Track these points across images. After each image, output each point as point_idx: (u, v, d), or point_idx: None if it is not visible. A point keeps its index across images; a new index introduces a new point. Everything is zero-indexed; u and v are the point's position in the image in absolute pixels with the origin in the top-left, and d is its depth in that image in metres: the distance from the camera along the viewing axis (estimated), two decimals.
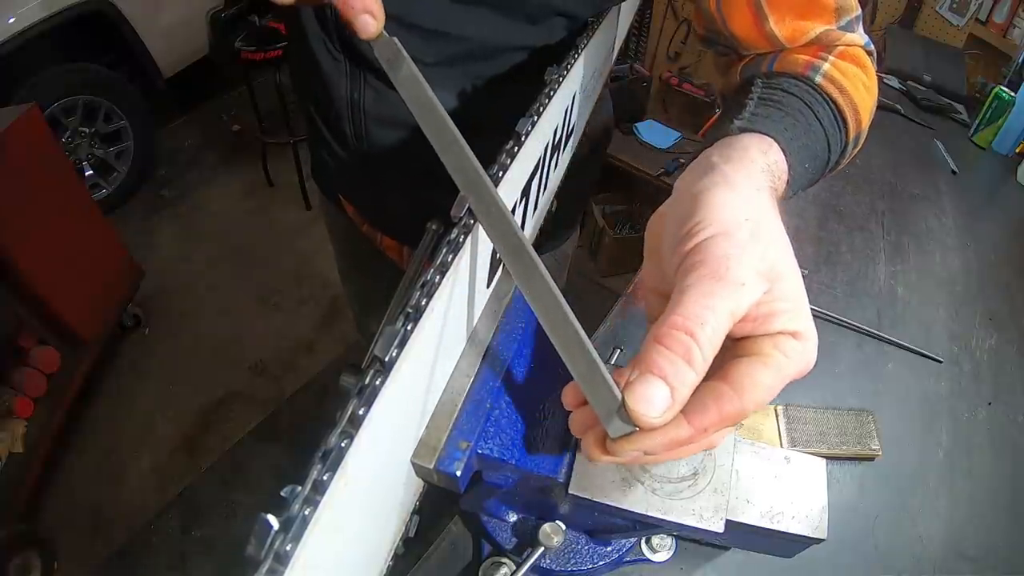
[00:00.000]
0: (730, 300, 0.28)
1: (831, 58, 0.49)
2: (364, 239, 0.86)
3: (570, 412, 0.34)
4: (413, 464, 0.36)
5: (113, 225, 2.03)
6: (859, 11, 0.51)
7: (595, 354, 0.29)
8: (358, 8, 0.34)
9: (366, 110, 0.65)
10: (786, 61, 0.50)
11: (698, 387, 0.28)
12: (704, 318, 0.28)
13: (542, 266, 0.31)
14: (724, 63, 0.59)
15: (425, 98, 0.36)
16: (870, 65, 0.52)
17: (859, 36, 0.51)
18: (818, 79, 0.47)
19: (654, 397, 0.27)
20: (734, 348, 0.30)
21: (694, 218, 0.31)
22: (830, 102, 0.47)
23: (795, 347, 0.30)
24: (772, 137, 0.39)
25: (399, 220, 0.78)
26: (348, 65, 0.63)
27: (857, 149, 0.52)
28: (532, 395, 0.44)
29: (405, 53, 0.37)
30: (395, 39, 0.37)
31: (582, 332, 0.29)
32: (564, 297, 0.31)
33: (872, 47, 0.53)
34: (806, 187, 0.47)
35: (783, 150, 0.39)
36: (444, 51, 0.58)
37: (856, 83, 0.48)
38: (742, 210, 0.32)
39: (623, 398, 0.28)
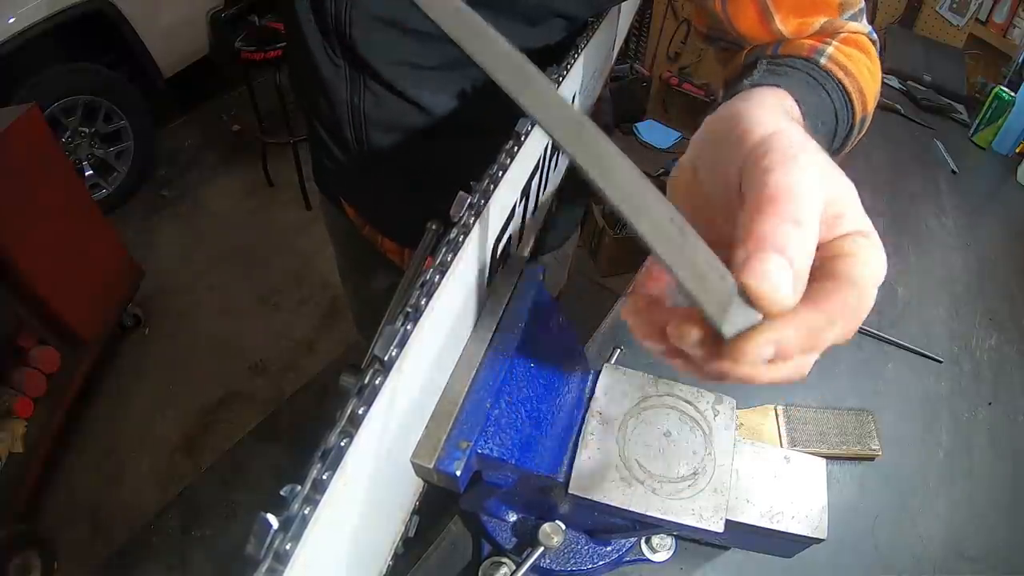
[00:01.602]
0: (814, 174, 0.25)
1: (835, 43, 0.49)
2: (364, 241, 0.86)
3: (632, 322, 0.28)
4: (413, 464, 0.36)
5: (113, 225, 2.03)
6: (862, 4, 0.52)
7: (693, 231, 0.22)
8: None
9: (366, 115, 0.65)
10: (790, 46, 0.50)
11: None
12: (801, 186, 0.24)
13: (610, 142, 0.24)
14: (726, 56, 0.59)
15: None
16: (874, 52, 0.52)
17: (863, 25, 0.52)
18: (823, 61, 0.48)
19: (777, 272, 0.22)
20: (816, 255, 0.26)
21: (739, 127, 0.28)
22: (836, 81, 0.47)
23: (870, 247, 0.26)
24: (782, 88, 0.38)
25: (399, 223, 0.78)
26: (348, 70, 0.63)
27: (862, 133, 0.52)
28: (532, 395, 0.44)
29: None
30: None
31: (673, 208, 0.22)
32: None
33: (875, 36, 0.53)
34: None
35: (796, 99, 0.38)
36: (444, 55, 0.58)
37: (860, 67, 0.49)
38: (780, 120, 0.29)
39: (737, 283, 0.22)
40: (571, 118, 0.23)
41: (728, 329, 0.22)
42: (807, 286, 0.24)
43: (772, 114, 0.30)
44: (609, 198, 0.22)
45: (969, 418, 0.73)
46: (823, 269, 0.25)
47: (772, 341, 0.22)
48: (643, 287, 0.29)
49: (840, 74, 0.47)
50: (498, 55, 0.25)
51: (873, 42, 0.53)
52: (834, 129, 0.47)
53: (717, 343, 0.23)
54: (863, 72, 0.49)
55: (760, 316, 0.22)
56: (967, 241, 1.01)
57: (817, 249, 0.25)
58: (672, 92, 2.65)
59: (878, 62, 0.52)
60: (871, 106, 0.50)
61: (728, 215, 0.27)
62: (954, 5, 1.86)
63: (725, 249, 0.25)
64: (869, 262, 0.25)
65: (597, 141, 0.23)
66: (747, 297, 0.22)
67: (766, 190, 0.24)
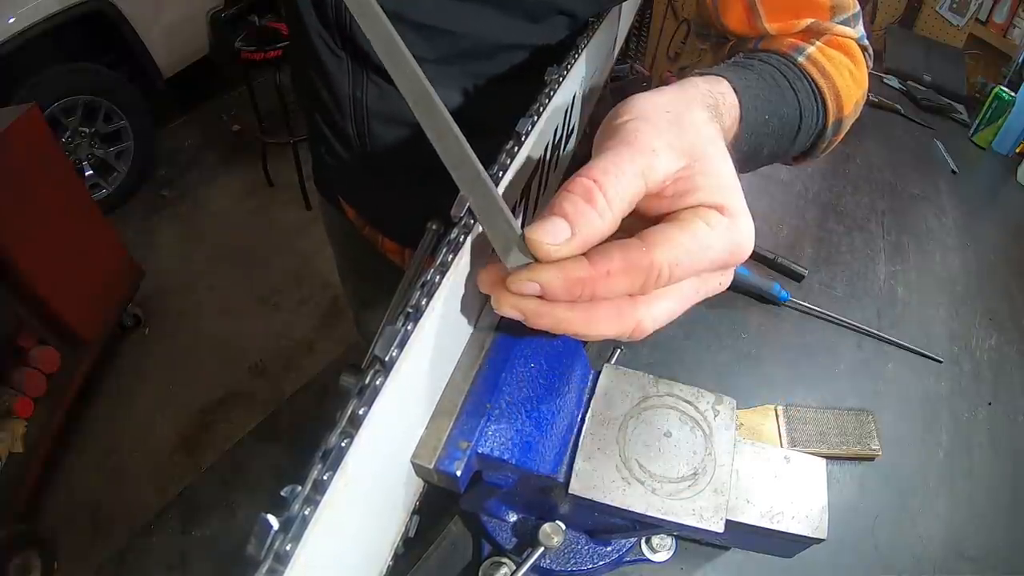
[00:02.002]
0: (637, 160, 0.28)
1: (818, 43, 0.49)
2: (364, 241, 0.86)
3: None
4: (413, 464, 0.36)
5: (113, 225, 2.03)
6: (857, 9, 0.51)
7: (493, 188, 0.28)
8: None
9: (369, 108, 0.65)
10: (772, 41, 0.51)
11: (605, 242, 0.28)
12: (607, 169, 0.28)
13: (442, 105, 0.29)
14: (718, 52, 0.60)
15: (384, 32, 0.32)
16: (860, 57, 0.52)
17: (853, 31, 0.51)
18: (800, 59, 0.48)
19: (552, 228, 0.26)
20: (653, 222, 0.30)
21: (615, 115, 0.31)
22: (809, 81, 0.47)
23: (719, 220, 0.29)
24: (724, 78, 0.39)
25: (401, 222, 0.78)
26: (350, 63, 0.62)
27: (838, 137, 0.52)
28: (532, 395, 0.44)
29: None
30: None
31: (481, 167, 0.28)
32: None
33: (867, 43, 0.53)
34: (775, 151, 0.46)
35: (734, 89, 0.39)
36: (444, 48, 0.58)
37: (841, 70, 0.49)
38: (664, 104, 0.32)
39: (523, 232, 0.27)
40: (422, 90, 0.29)
41: (509, 262, 0.28)
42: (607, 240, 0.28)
43: (663, 95, 0.32)
44: (440, 155, 0.29)
45: (969, 418, 0.73)
46: (642, 232, 0.28)
47: (535, 280, 0.27)
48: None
49: (815, 73, 0.47)
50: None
51: (864, 48, 0.52)
52: (796, 127, 0.47)
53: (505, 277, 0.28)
54: (843, 75, 0.48)
55: (531, 260, 0.27)
56: (967, 241, 1.01)
57: (654, 216, 0.29)
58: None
59: (865, 68, 0.52)
60: (849, 110, 0.50)
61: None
62: (954, 5, 1.86)
63: None
64: (698, 232, 0.28)
65: (436, 110, 0.29)
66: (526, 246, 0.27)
67: (585, 168, 0.28)
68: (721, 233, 0.28)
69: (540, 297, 0.28)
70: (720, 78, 0.39)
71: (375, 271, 0.91)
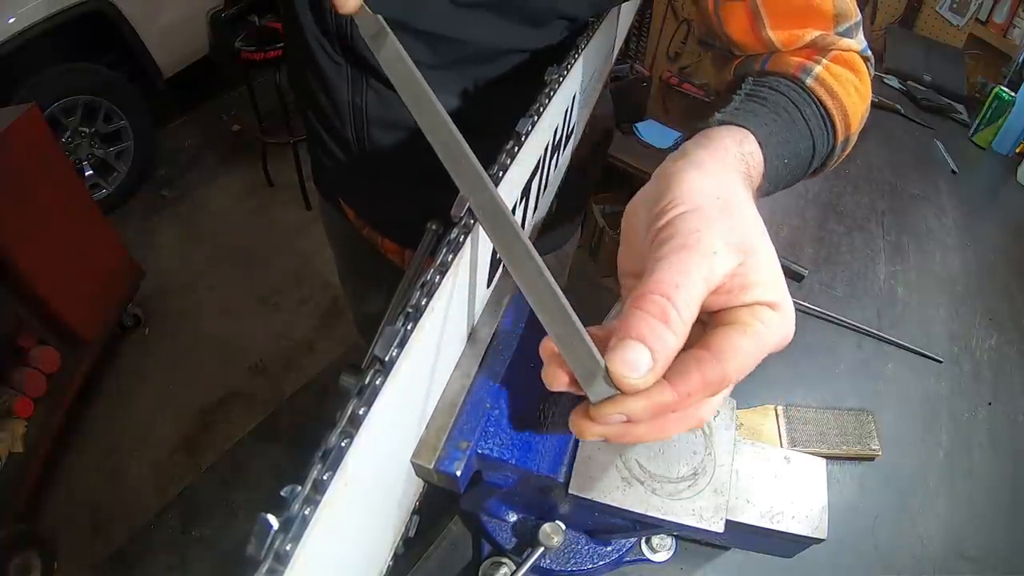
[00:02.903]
0: (702, 266, 0.29)
1: (824, 61, 0.49)
2: (364, 242, 0.86)
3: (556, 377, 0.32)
4: (413, 464, 0.36)
5: (113, 225, 2.03)
6: (858, 17, 0.51)
7: (575, 316, 0.28)
8: None
9: (368, 114, 0.65)
10: (779, 62, 0.50)
11: (679, 355, 0.29)
12: (677, 281, 0.28)
13: (519, 227, 0.30)
14: (720, 60, 0.59)
15: (409, 75, 0.35)
16: (864, 71, 0.52)
17: (856, 42, 0.51)
18: (808, 81, 0.47)
19: (636, 359, 0.27)
20: (712, 321, 0.31)
21: (666, 198, 0.32)
22: (818, 104, 0.47)
23: (773, 317, 0.30)
24: (748, 129, 0.40)
25: (401, 223, 0.78)
26: (349, 69, 0.62)
27: (846, 152, 0.53)
28: (532, 395, 0.44)
29: (388, 29, 0.36)
30: (379, 16, 0.37)
31: (560, 294, 0.29)
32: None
33: (869, 52, 0.53)
34: (789, 183, 0.47)
35: (759, 142, 0.40)
36: (446, 54, 0.58)
37: (848, 87, 0.48)
38: (712, 189, 0.32)
39: (605, 363, 0.28)
40: (497, 208, 0.30)
41: (593, 396, 0.28)
42: (681, 353, 0.29)
43: (709, 176, 0.33)
44: (518, 283, 0.29)
45: (969, 418, 0.73)
46: (706, 336, 0.30)
47: (623, 412, 0.28)
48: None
49: (824, 96, 0.47)
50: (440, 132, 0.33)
51: (867, 59, 0.52)
52: (810, 158, 0.47)
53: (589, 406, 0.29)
54: (850, 93, 0.48)
55: (615, 391, 0.28)
56: (967, 241, 1.01)
57: (715, 312, 0.30)
58: (672, 92, 2.65)
59: (868, 82, 0.52)
60: (856, 127, 0.50)
61: (645, 256, 0.32)
62: (954, 5, 1.86)
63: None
64: (759, 334, 0.29)
65: (513, 233, 0.30)
66: (609, 377, 0.28)
67: (652, 277, 0.29)
68: (775, 330, 0.30)
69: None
70: (746, 132, 0.39)
71: (375, 271, 0.91)
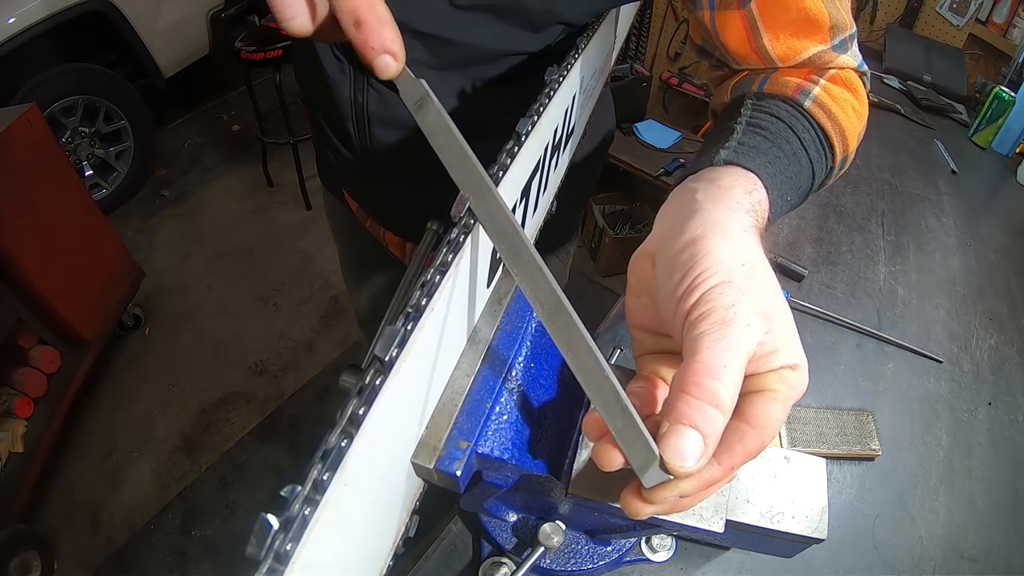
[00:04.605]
0: (743, 341, 0.30)
1: (822, 82, 0.49)
2: (366, 234, 0.87)
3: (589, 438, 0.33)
4: (413, 464, 0.36)
5: (113, 225, 2.02)
6: (853, 29, 0.51)
7: (631, 407, 0.29)
8: (377, 48, 0.32)
9: (369, 112, 0.65)
10: (777, 83, 0.50)
11: None
12: (725, 360, 0.29)
13: (576, 316, 0.30)
14: (717, 78, 0.59)
15: (456, 144, 0.34)
16: (862, 89, 0.52)
17: (852, 58, 0.51)
18: (807, 104, 0.47)
19: (690, 448, 0.28)
20: (743, 386, 0.31)
21: (695, 270, 0.32)
22: (817, 128, 0.47)
23: (795, 377, 0.32)
24: (756, 174, 0.40)
25: (402, 217, 0.79)
26: (351, 68, 0.63)
27: (843, 171, 0.53)
28: (532, 395, 0.44)
29: (433, 95, 0.35)
30: (423, 81, 0.35)
31: (619, 386, 0.29)
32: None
33: (866, 67, 0.53)
34: (787, 213, 0.48)
35: (766, 187, 0.40)
36: (446, 56, 0.58)
37: (846, 108, 0.48)
38: (737, 256, 0.33)
39: (660, 453, 0.29)
40: (554, 299, 0.30)
41: (647, 482, 0.29)
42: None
43: (731, 241, 0.33)
44: (574, 371, 0.30)
45: (969, 418, 0.73)
46: (741, 407, 0.30)
47: (676, 495, 0.30)
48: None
49: (823, 119, 0.47)
50: (497, 221, 0.33)
51: (863, 74, 0.52)
52: (808, 188, 0.48)
53: (640, 487, 0.30)
54: (848, 114, 0.48)
55: (670, 477, 0.29)
56: (967, 241, 1.01)
57: (744, 377, 0.31)
58: (672, 92, 2.65)
59: (865, 99, 0.52)
60: (854, 146, 0.51)
61: (671, 321, 0.33)
62: (954, 5, 1.86)
63: (664, 336, 0.36)
64: (787, 398, 0.31)
65: (570, 322, 0.30)
66: (663, 465, 0.28)
67: (697, 358, 0.29)
68: (797, 388, 0.32)
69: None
70: (754, 179, 0.40)
71: (377, 264, 0.91)
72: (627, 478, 0.31)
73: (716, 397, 0.28)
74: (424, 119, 0.35)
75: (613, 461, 0.30)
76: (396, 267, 0.92)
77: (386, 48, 0.32)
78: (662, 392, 0.35)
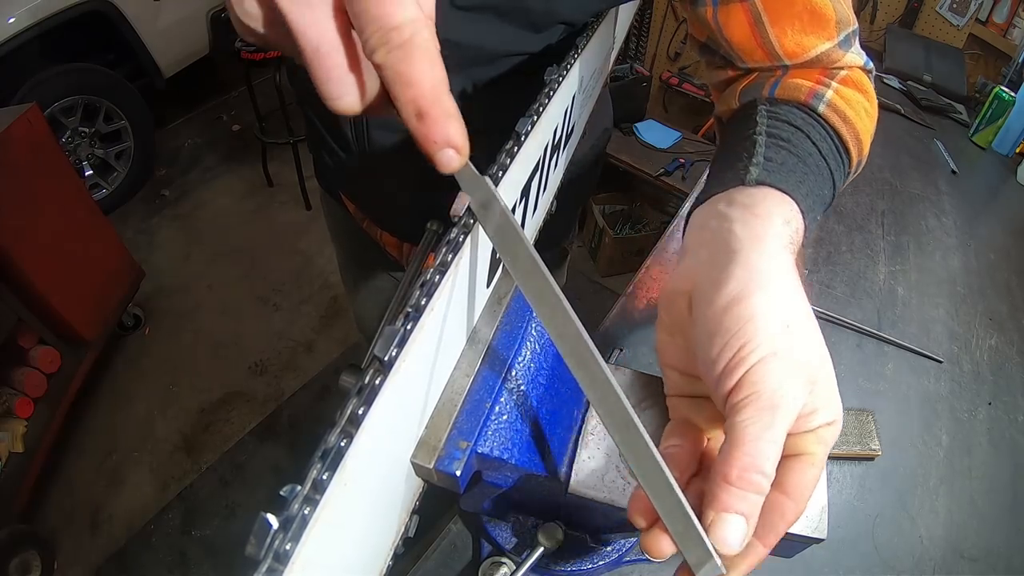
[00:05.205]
0: (788, 420, 0.29)
1: (834, 84, 0.48)
2: (364, 234, 0.86)
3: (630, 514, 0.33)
4: (413, 464, 0.36)
5: (113, 225, 2.02)
6: (856, 25, 0.50)
7: (689, 508, 0.28)
8: (440, 142, 0.28)
9: (366, 115, 0.65)
10: (788, 87, 0.48)
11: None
12: (769, 453, 0.29)
13: (638, 420, 0.29)
14: (722, 81, 0.57)
15: (526, 255, 0.31)
16: (871, 89, 0.51)
17: (857, 55, 0.51)
18: (822, 108, 0.46)
19: (735, 536, 0.28)
20: None
21: (738, 340, 0.31)
22: (834, 134, 0.46)
23: (831, 433, 0.32)
24: (791, 197, 0.38)
25: (399, 218, 0.79)
26: None
27: (857, 173, 0.52)
28: (532, 395, 0.44)
29: (498, 195, 0.32)
30: (487, 179, 0.32)
31: (678, 487, 0.28)
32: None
33: (871, 65, 0.52)
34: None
35: (802, 211, 0.38)
36: (446, 58, 0.58)
37: (859, 111, 0.48)
38: (781, 315, 0.31)
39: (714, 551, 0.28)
40: (624, 415, 0.29)
41: (697, 573, 0.28)
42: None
43: (775, 296, 0.32)
44: (634, 472, 0.29)
45: (969, 418, 0.73)
46: (779, 476, 0.30)
47: None
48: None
49: (839, 124, 0.46)
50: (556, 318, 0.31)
51: (869, 72, 0.52)
52: (831, 199, 0.46)
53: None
54: (861, 116, 0.48)
55: (723, 571, 0.28)
56: (967, 241, 1.01)
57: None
58: (672, 92, 2.65)
59: (875, 99, 0.51)
60: (867, 149, 0.50)
61: (711, 385, 0.32)
62: (954, 5, 1.86)
63: (698, 380, 0.34)
64: (823, 458, 0.31)
65: (635, 431, 0.29)
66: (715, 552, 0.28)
67: (743, 448, 0.29)
68: (831, 443, 0.32)
69: None
70: (791, 203, 0.38)
71: (376, 265, 0.91)
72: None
73: (761, 487, 0.28)
74: (488, 221, 0.32)
75: (663, 552, 0.30)
76: (394, 268, 0.91)
77: (450, 142, 0.29)
78: (697, 445, 0.34)
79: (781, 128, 0.44)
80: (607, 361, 0.30)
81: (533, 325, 0.45)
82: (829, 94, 0.47)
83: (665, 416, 0.43)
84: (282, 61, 2.31)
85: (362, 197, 0.82)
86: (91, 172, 2.52)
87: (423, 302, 0.31)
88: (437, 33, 0.54)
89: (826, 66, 0.50)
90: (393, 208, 0.77)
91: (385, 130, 0.66)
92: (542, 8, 0.54)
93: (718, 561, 0.28)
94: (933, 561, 0.60)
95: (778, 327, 0.31)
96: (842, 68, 0.50)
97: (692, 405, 0.36)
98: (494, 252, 0.42)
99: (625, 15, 0.73)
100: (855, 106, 0.48)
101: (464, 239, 0.35)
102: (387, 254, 0.86)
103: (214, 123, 3.21)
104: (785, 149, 0.42)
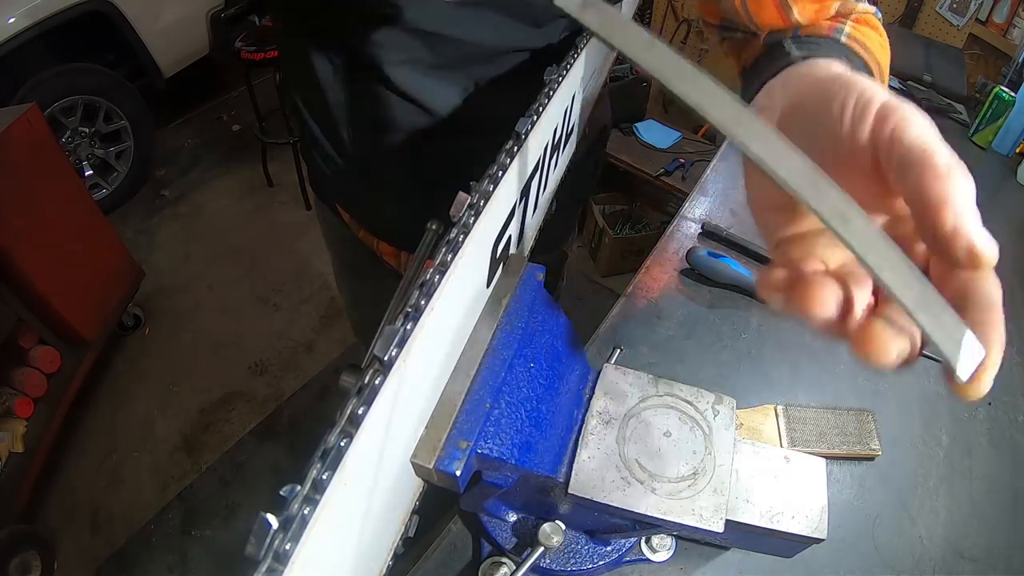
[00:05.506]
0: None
1: (849, 22, 0.50)
2: (361, 245, 0.86)
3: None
4: (413, 464, 0.36)
5: (113, 225, 2.03)
6: None
7: (927, 279, 0.23)
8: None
9: (365, 118, 0.64)
10: (809, 28, 0.51)
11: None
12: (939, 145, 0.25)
13: (844, 193, 0.24)
14: (737, 45, 0.58)
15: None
16: (882, 28, 0.53)
17: (869, 6, 0.53)
18: (843, 39, 0.49)
19: (983, 236, 0.24)
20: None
21: (855, 89, 0.28)
22: (858, 60, 0.48)
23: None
24: (837, 61, 0.37)
25: (397, 226, 0.78)
26: (345, 71, 0.62)
27: None
28: (532, 395, 0.44)
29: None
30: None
31: (907, 258, 0.23)
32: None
33: (880, 15, 0.54)
34: None
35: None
36: (448, 55, 0.58)
37: (874, 43, 0.50)
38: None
39: (966, 245, 0.24)
40: (809, 173, 0.24)
41: (962, 373, 0.24)
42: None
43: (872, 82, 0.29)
44: (850, 248, 0.23)
45: (969, 418, 0.73)
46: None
47: (995, 368, 0.25)
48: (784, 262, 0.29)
49: (859, 50, 0.48)
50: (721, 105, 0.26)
51: (879, 20, 0.54)
52: None
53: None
54: (877, 47, 0.50)
55: (983, 350, 0.24)
56: None
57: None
58: (672, 92, 2.65)
59: (887, 38, 0.53)
60: (886, 80, 0.52)
61: (846, 143, 0.28)
62: (954, 5, 1.86)
63: (799, 216, 0.30)
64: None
65: (836, 194, 0.24)
66: (974, 330, 0.24)
67: (931, 163, 0.24)
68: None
69: None
70: (840, 62, 0.36)
71: (373, 275, 0.90)
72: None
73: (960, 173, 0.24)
74: (591, 18, 0.28)
75: (892, 349, 0.25)
76: (391, 277, 0.91)
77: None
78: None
79: (812, 50, 0.46)
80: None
81: (533, 325, 0.45)
82: (847, 28, 0.50)
83: (670, 415, 0.43)
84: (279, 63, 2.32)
85: (358, 205, 0.81)
86: (91, 172, 2.51)
87: (423, 302, 0.31)
88: (438, 31, 0.52)
89: (841, 15, 0.52)
90: (390, 214, 0.76)
91: (384, 131, 0.66)
92: (543, 1, 0.54)
93: (962, 324, 0.24)
94: (933, 561, 0.60)
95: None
96: (855, 12, 0.52)
97: (802, 242, 0.31)
98: (494, 252, 0.42)
99: (626, 14, 0.73)
100: (871, 38, 0.50)
101: (464, 239, 0.35)
102: (384, 263, 0.86)
103: (214, 123, 3.21)
104: (817, 48, 0.45)
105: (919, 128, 0.25)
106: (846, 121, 0.27)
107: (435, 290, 0.32)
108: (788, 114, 0.32)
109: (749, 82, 0.51)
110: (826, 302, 0.26)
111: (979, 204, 0.27)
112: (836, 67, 0.32)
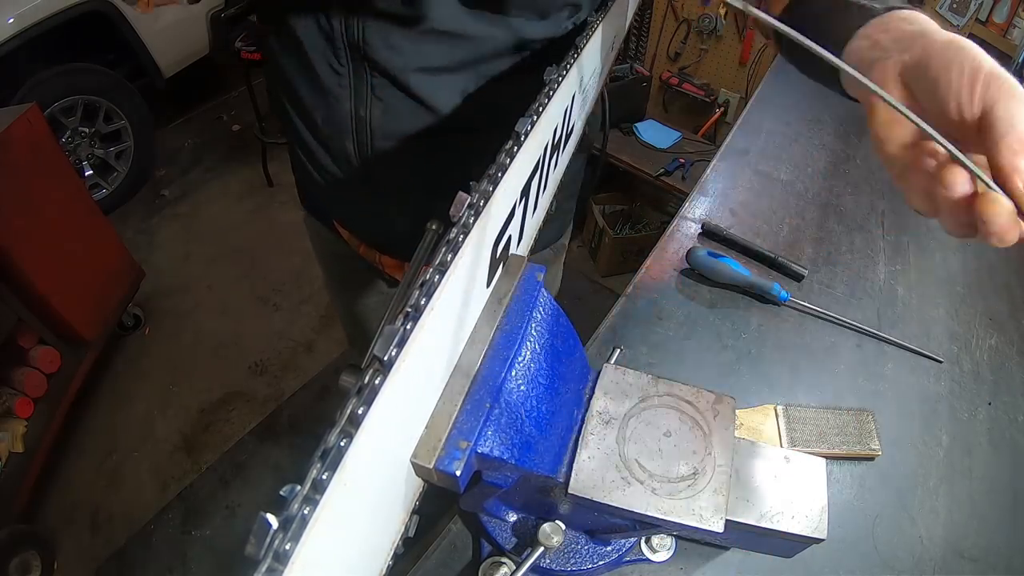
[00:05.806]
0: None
1: None
2: (357, 260, 0.84)
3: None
4: (413, 464, 0.36)
5: (113, 225, 2.02)
6: None
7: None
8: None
9: (373, 126, 0.63)
10: None
11: None
12: None
13: None
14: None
15: None
16: None
17: None
18: None
19: None
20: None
21: (971, 64, 0.35)
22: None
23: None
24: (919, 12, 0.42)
25: (401, 237, 0.76)
26: (352, 78, 0.60)
27: None
28: (532, 395, 0.44)
29: None
30: None
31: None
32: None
33: None
34: None
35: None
36: (458, 55, 0.58)
37: None
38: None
39: None
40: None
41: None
42: None
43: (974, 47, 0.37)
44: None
45: (969, 418, 0.73)
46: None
47: None
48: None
49: None
50: None
51: None
52: None
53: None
54: None
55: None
56: (967, 241, 1.01)
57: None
58: (672, 92, 2.65)
59: None
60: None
61: (961, 99, 0.35)
62: (954, 5, 1.86)
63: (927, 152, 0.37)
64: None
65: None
66: None
67: (1013, 136, 0.33)
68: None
69: None
70: (924, 16, 0.42)
71: (367, 288, 0.89)
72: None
73: None
74: None
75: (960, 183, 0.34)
76: (383, 293, 0.90)
77: None
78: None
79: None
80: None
81: (533, 325, 0.45)
82: None
83: (670, 415, 0.43)
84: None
85: (360, 219, 0.79)
86: (91, 172, 2.51)
87: (423, 302, 0.31)
88: (444, 27, 0.53)
89: None
90: (394, 226, 0.74)
91: (390, 139, 0.64)
92: None
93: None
94: (933, 561, 0.60)
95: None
96: None
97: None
98: (494, 252, 0.42)
99: (625, 15, 0.73)
100: None
101: (464, 239, 0.35)
102: (385, 278, 0.84)
103: (214, 123, 3.21)
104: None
105: (1011, 101, 0.33)
106: (964, 87, 0.35)
107: (435, 290, 0.32)
108: (911, 69, 0.38)
109: (801, 16, 0.52)
110: (961, 181, 0.34)
111: None
112: (934, 26, 0.40)
